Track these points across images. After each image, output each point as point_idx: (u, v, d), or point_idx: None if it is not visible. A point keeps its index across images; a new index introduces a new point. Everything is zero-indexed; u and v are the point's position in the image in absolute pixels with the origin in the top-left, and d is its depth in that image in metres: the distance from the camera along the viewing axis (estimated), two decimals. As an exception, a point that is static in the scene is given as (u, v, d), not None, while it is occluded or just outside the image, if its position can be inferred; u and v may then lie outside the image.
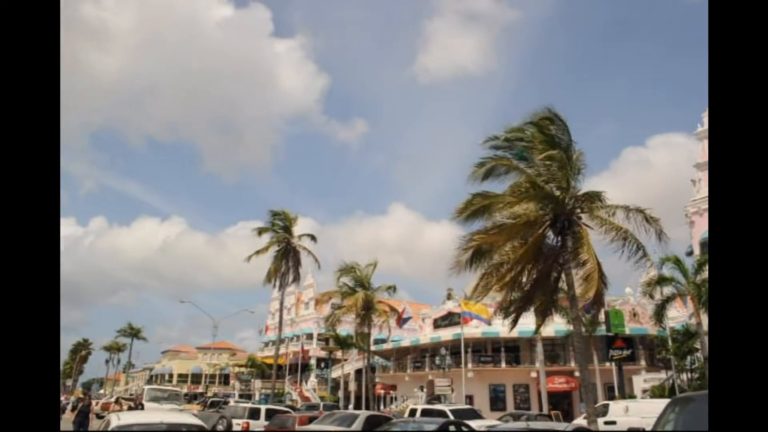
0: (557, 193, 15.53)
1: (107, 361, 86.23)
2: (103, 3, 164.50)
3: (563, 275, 16.35)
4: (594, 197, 16.08)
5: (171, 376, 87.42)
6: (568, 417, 31.52)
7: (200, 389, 73.80)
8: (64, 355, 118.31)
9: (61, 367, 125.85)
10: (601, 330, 31.81)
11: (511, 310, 17.36)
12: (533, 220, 15.17)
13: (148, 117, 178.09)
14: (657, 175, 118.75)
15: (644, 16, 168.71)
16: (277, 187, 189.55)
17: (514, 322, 17.72)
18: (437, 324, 49.13)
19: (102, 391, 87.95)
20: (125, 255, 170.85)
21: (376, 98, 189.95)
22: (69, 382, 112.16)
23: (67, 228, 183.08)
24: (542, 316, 17.82)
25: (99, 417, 23.01)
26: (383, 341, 55.69)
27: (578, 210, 16.01)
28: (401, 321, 48.82)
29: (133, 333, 75.74)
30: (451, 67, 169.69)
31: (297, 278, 37.17)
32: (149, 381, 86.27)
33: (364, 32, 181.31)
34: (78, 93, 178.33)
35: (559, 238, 16.11)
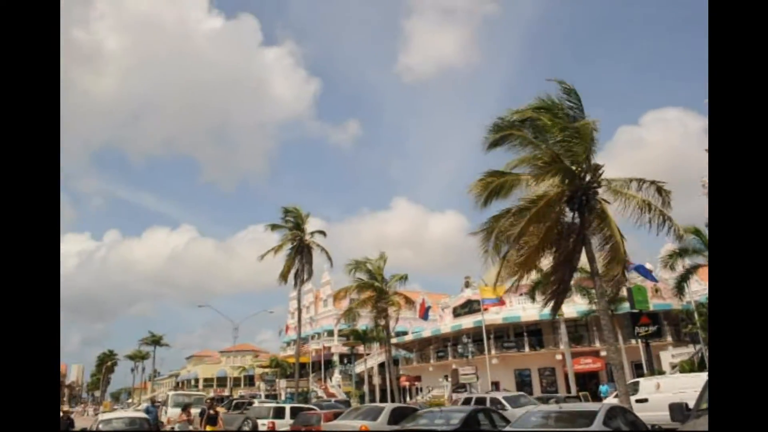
0: (574, 167, 15.09)
1: (132, 370, 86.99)
2: (94, 27, 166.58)
3: (583, 253, 15.95)
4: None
5: (197, 381, 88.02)
6: (596, 397, 31.09)
7: (226, 392, 74.21)
8: (90, 368, 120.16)
9: (89, 379, 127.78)
10: (624, 308, 31.33)
11: (546, 295, 17.02)
12: (553, 199, 14.74)
13: (145, 134, 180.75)
14: (653, 152, 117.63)
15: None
16: (281, 192, 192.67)
17: (555, 309, 17.35)
18: (457, 312, 48.86)
19: (130, 400, 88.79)
20: (140, 266, 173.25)
21: (367, 99, 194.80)
22: (97, 393, 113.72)
23: (83, 243, 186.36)
24: (560, 297, 17.45)
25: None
26: (404, 333, 55.53)
27: (595, 184, 15.57)
28: (424, 312, 48.57)
29: (155, 341, 76.27)
30: (434, 64, 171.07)
31: (310, 275, 37.14)
32: (176, 387, 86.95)
33: (348, 36, 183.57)
34: (76, 115, 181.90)
35: (577, 215, 15.70)
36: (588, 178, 15.60)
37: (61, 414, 18.54)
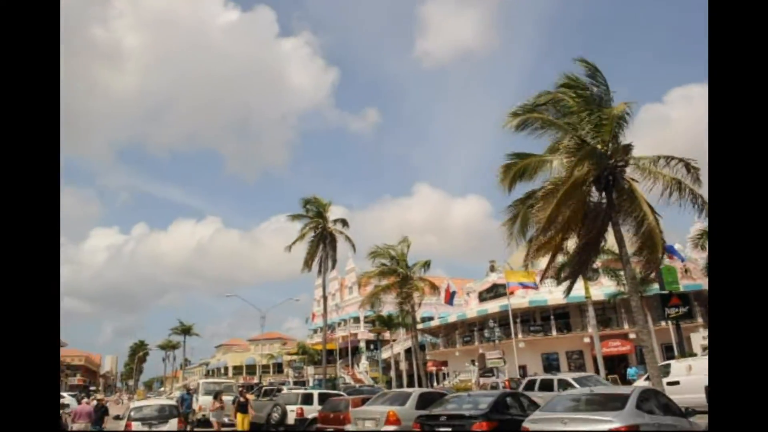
0: (599, 146, 14.74)
1: (164, 360, 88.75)
2: (112, 25, 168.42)
3: (612, 234, 15.63)
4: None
5: (226, 369, 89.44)
6: (625, 380, 30.73)
7: (255, 380, 75.25)
8: (124, 358, 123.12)
9: (122, 369, 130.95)
10: (654, 289, 30.82)
11: (563, 276, 16.75)
12: (579, 180, 14.43)
13: (168, 129, 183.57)
14: (678, 130, 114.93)
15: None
16: (303, 181, 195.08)
17: (569, 289, 17.07)
18: (482, 297, 48.65)
19: (162, 389, 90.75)
20: (167, 258, 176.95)
21: (386, 86, 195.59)
22: (131, 382, 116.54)
23: (111, 237, 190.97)
24: (575, 277, 17.14)
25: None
26: (430, 319, 55.52)
27: (622, 164, 15.19)
28: (450, 297, 48.47)
29: (185, 330, 77.50)
30: (452, 48, 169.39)
31: (334, 263, 37.27)
32: (206, 375, 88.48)
33: (364, 23, 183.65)
34: (100, 113, 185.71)
35: (604, 195, 15.37)
36: (615, 157, 15.23)
37: (96, 402, 19.00)
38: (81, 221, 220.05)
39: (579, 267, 16.53)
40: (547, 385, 18.34)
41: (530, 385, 19.36)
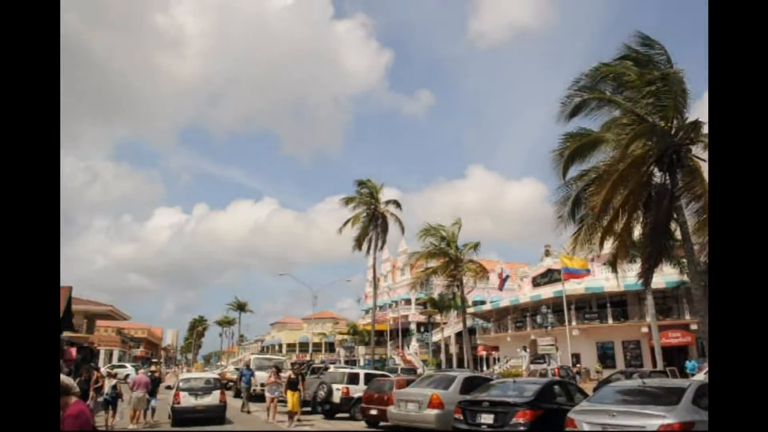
0: (662, 123, 13.75)
1: (221, 335, 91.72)
2: (173, 11, 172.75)
3: (675, 218, 14.66)
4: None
5: (280, 346, 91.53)
6: (685, 373, 29.35)
7: (308, 357, 76.69)
8: (184, 332, 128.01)
9: (182, 343, 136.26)
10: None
11: (641, 265, 15.82)
12: (638, 160, 13.50)
13: (227, 111, 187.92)
14: None
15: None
16: (356, 164, 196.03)
17: (643, 275, 16.11)
18: (536, 282, 47.59)
19: (219, 363, 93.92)
20: (226, 237, 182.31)
21: (439, 68, 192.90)
22: (190, 356, 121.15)
23: (174, 216, 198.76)
24: (651, 266, 16.18)
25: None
26: (482, 303, 54.85)
27: (687, 141, 14.16)
28: (502, 282, 47.72)
29: (240, 306, 79.61)
30: (507, 28, 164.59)
31: (384, 243, 37.49)
32: (261, 351, 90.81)
33: (417, 4, 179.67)
34: (162, 98, 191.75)
35: (668, 176, 14.39)
36: (680, 134, 14.20)
37: (150, 373, 19.68)
38: (146, 201, 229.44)
39: (659, 256, 15.55)
40: None
41: None
